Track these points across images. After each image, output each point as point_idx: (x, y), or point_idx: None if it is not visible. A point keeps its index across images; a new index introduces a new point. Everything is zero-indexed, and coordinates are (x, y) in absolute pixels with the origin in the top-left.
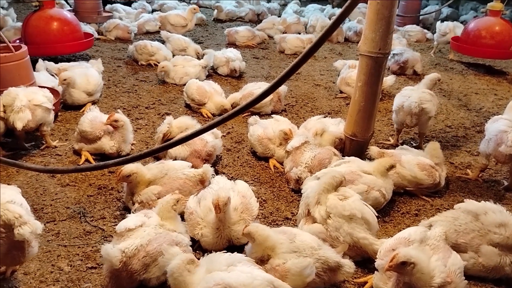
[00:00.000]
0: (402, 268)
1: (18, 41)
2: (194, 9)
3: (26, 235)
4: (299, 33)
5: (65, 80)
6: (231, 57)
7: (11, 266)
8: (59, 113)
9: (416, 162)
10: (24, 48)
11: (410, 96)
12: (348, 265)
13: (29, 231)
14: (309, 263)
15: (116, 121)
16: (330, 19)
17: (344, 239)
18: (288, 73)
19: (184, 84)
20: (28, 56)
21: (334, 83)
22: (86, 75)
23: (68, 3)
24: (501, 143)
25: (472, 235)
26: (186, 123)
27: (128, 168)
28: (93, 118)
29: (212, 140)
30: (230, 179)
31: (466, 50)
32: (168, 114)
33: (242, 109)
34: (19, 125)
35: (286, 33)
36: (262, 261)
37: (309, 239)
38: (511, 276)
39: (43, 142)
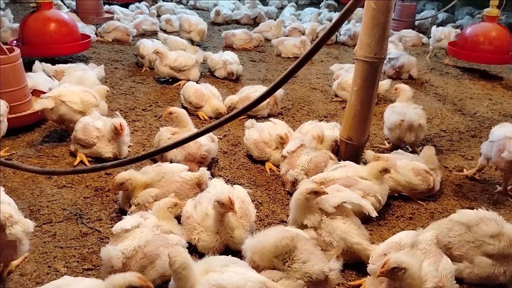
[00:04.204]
0: (394, 273)
1: (15, 41)
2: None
3: (18, 234)
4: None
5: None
6: (229, 60)
7: (2, 263)
8: None
9: (411, 167)
10: (17, 50)
11: (406, 113)
12: (334, 271)
13: (20, 230)
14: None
15: (122, 128)
16: (330, 21)
17: (338, 244)
18: (286, 76)
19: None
20: (21, 58)
21: (330, 86)
22: (82, 79)
23: (64, 4)
24: (503, 149)
25: (467, 247)
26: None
27: (121, 176)
28: (85, 126)
29: (207, 143)
30: (227, 182)
31: (464, 56)
32: None
33: (239, 113)
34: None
35: (289, 36)
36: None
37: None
38: (505, 284)
39: (40, 143)
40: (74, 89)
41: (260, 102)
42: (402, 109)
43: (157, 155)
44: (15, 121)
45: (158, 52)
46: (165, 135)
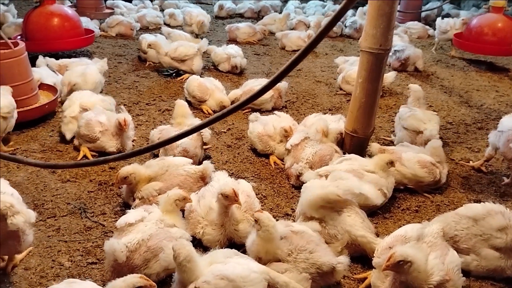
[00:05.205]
0: (399, 267)
1: (19, 37)
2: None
3: (19, 224)
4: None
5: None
6: (232, 53)
7: (8, 255)
8: (59, 110)
9: (417, 160)
10: (22, 44)
11: (427, 126)
12: (342, 264)
13: (22, 220)
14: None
15: (126, 124)
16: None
17: (343, 237)
18: (288, 68)
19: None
20: (26, 52)
21: (335, 79)
22: (84, 74)
23: None
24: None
25: (475, 240)
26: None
27: (124, 170)
28: (88, 121)
29: (183, 141)
30: (231, 176)
31: (468, 47)
32: (169, 110)
33: (241, 105)
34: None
35: (294, 29)
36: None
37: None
38: None
39: (44, 137)
40: (93, 98)
41: (261, 94)
42: (423, 116)
43: (160, 147)
44: (21, 116)
45: (150, 45)
46: (156, 136)
